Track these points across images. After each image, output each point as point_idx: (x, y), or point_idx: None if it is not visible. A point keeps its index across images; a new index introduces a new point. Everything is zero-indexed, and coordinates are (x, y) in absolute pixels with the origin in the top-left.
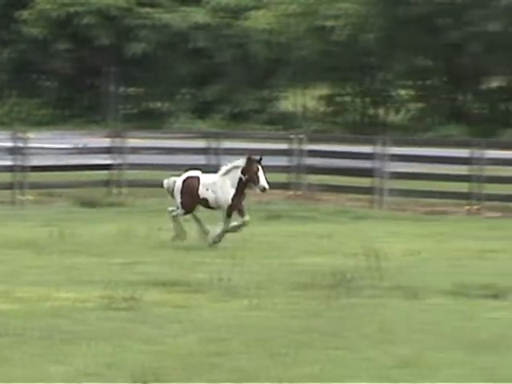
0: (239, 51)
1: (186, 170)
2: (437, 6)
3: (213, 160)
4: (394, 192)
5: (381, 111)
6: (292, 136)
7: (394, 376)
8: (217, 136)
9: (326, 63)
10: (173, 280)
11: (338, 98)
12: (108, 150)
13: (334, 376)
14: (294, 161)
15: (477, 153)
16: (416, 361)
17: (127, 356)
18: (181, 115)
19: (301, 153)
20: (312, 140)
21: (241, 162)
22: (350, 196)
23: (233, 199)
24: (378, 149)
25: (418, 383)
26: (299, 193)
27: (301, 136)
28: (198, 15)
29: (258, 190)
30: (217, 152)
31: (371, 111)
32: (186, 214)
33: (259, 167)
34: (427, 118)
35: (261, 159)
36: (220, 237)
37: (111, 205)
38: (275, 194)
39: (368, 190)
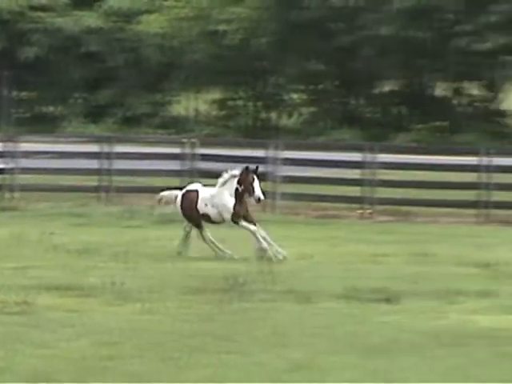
0: (132, 55)
1: (187, 184)
2: (329, 10)
3: (105, 164)
4: (286, 196)
5: (273, 115)
6: (184, 140)
7: (286, 379)
8: (109, 140)
9: (219, 67)
10: (65, 284)
11: (230, 102)
12: (0, 155)
13: (226, 380)
14: (187, 165)
15: (369, 157)
16: (308, 364)
17: (20, 360)
18: (73, 119)
19: (193, 157)
20: (204, 144)
21: (237, 171)
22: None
23: (234, 207)
24: (270, 153)
25: None
26: None
27: (193, 140)
28: (91, 19)
29: (253, 201)
30: (109, 156)
31: (264, 115)
32: (197, 226)
33: (255, 178)
34: (319, 121)
35: (257, 169)
36: (262, 250)
37: (3, 209)
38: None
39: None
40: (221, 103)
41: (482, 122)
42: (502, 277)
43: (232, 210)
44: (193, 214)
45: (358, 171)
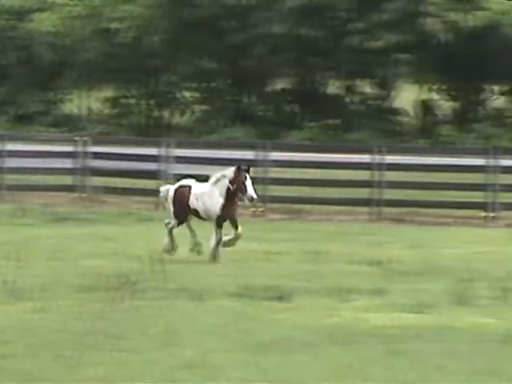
0: (24, 53)
1: (180, 179)
2: (221, 8)
3: None
4: None
5: (166, 113)
6: (77, 138)
7: (179, 377)
8: (1, 138)
9: (111, 65)
10: None
11: (123, 100)
12: None
13: (118, 378)
14: (79, 163)
15: (261, 155)
16: (201, 362)
17: None
18: None
19: (85, 155)
20: (97, 142)
21: (230, 170)
22: (136, 198)
23: (222, 209)
24: (162, 151)
25: None
26: (84, 195)
27: (85, 138)
28: None
29: (246, 201)
30: (1, 154)
31: (156, 113)
32: (179, 224)
33: (247, 177)
34: (212, 120)
35: (249, 168)
36: (215, 251)
37: None
38: (60, 196)
39: (153, 193)
40: (113, 101)
41: (374, 119)
42: (393, 275)
43: (219, 212)
44: (183, 210)
45: (256, 169)
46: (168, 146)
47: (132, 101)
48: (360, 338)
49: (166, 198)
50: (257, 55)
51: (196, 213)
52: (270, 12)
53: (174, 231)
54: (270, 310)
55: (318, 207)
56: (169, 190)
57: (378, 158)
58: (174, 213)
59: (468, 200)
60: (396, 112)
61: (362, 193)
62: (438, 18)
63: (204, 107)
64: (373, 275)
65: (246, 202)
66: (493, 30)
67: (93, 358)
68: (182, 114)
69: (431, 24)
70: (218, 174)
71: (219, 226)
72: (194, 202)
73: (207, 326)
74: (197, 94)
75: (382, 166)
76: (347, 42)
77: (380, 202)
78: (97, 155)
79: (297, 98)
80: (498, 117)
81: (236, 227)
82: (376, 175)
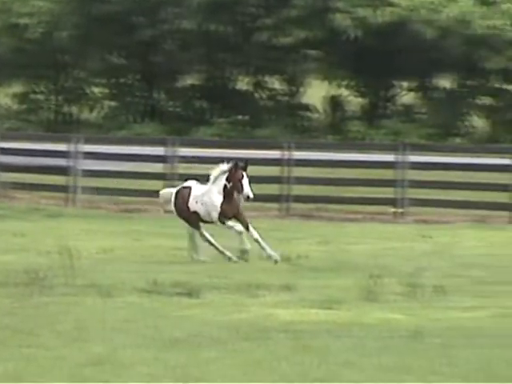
0: None
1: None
2: (131, 3)
3: None
4: (87, 190)
5: (75, 109)
6: None
7: (87, 374)
8: None
9: (20, 61)
10: None
11: (31, 96)
12: None
13: (27, 374)
14: None
15: (171, 151)
16: (109, 359)
17: None
18: None
19: None
20: (5, 138)
21: (226, 167)
22: (44, 194)
23: (221, 206)
24: (71, 147)
25: (111, 382)
26: None
27: None
28: None
29: (242, 199)
30: None
31: (65, 109)
32: (194, 227)
33: (244, 174)
34: (121, 115)
35: (246, 166)
36: (245, 252)
37: None
38: None
39: (62, 188)
40: (22, 97)
41: (283, 116)
42: (302, 270)
43: (219, 209)
44: (183, 212)
45: (160, 165)
46: (77, 141)
47: (41, 96)
48: (269, 334)
49: (168, 202)
50: (166, 51)
51: (197, 215)
52: (179, 8)
53: (197, 235)
54: (178, 306)
55: None
56: (171, 193)
57: (287, 154)
58: (178, 215)
59: (377, 196)
60: (305, 108)
61: (271, 189)
62: (347, 13)
63: (113, 103)
64: (282, 271)
65: (242, 201)
66: (402, 27)
67: (1, 354)
68: (91, 109)
69: (340, 20)
70: (217, 172)
71: (223, 222)
72: (193, 204)
73: (116, 322)
74: (106, 90)
75: (291, 162)
76: (256, 37)
77: (289, 198)
78: (5, 151)
79: (206, 94)
80: (406, 113)
81: (247, 228)
82: (285, 171)
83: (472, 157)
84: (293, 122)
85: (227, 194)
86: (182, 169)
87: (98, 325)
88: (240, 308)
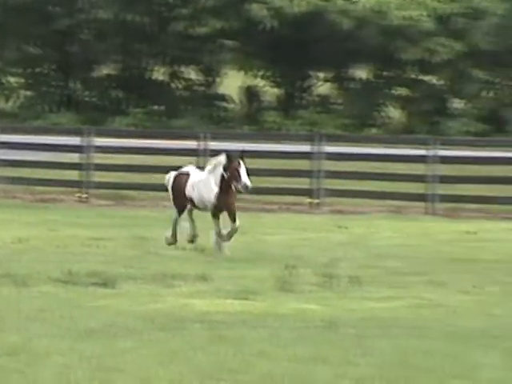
0: None
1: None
2: None
3: None
4: (2, 179)
5: None
6: None
7: (2, 363)
8: None
9: None
10: None
11: None
12: None
13: None
14: None
15: (87, 140)
16: (24, 348)
17: None
18: None
19: None
20: None
21: (224, 157)
22: None
23: (216, 198)
24: None
25: (26, 371)
26: None
27: None
28: None
29: (240, 188)
30: None
31: None
32: (179, 213)
33: (241, 163)
34: (37, 105)
35: (243, 156)
36: (217, 244)
37: None
38: None
39: None
40: None
41: (199, 106)
42: (218, 261)
43: (213, 201)
44: (179, 197)
45: (76, 155)
46: None
47: None
48: (184, 324)
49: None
50: (83, 41)
51: (192, 202)
52: None
53: (179, 221)
54: (94, 296)
55: (143, 193)
56: (170, 176)
57: (203, 145)
58: (173, 200)
59: (293, 186)
60: (221, 98)
61: None
62: (263, 4)
63: (29, 93)
64: (198, 261)
65: (241, 190)
66: (318, 17)
67: None
68: (7, 99)
69: (257, 10)
70: (215, 160)
71: (215, 216)
72: (190, 191)
73: (31, 312)
74: (22, 80)
75: (207, 153)
76: (173, 27)
77: None
78: None
79: (122, 84)
80: (322, 103)
81: (234, 220)
82: (202, 161)
83: (388, 147)
84: (209, 112)
85: (224, 184)
86: (98, 159)
87: (13, 314)
88: (156, 298)
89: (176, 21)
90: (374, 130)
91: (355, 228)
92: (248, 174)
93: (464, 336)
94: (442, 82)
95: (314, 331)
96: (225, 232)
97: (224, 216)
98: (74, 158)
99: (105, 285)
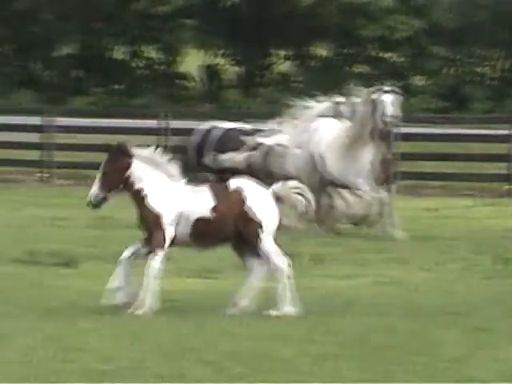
0: None
1: None
2: None
3: None
4: None
5: None
6: None
7: None
8: None
9: None
10: None
11: None
12: None
13: None
14: None
15: (47, 120)
16: None
17: None
18: None
19: None
20: None
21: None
22: None
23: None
24: None
25: None
26: None
27: None
28: None
29: None
30: None
31: None
32: None
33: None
34: None
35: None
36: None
37: None
38: None
39: None
40: None
41: (160, 85)
42: None
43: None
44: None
45: (36, 135)
46: None
47: None
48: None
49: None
50: (43, 20)
51: None
52: None
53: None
54: (55, 275)
55: None
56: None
57: (164, 123)
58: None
59: None
60: (182, 77)
61: None
62: None
63: None
64: None
65: None
66: None
67: None
68: None
69: None
70: None
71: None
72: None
73: None
74: None
75: (167, 132)
76: (133, 6)
77: None
78: None
79: (82, 64)
80: (283, 81)
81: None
82: (162, 140)
83: None
84: (170, 91)
85: None
86: (59, 138)
87: None
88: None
89: (137, 0)
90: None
91: None
92: None
93: (425, 313)
94: (402, 59)
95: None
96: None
97: None
98: (34, 137)
99: (66, 265)
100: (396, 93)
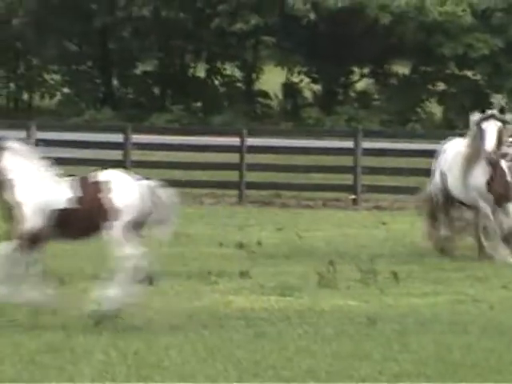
0: None
1: None
2: None
3: None
4: None
5: (30, 96)
6: None
7: (42, 361)
8: None
9: None
10: None
11: None
12: None
13: None
14: None
15: (127, 137)
16: (64, 346)
17: None
18: None
19: None
20: None
21: None
22: None
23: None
24: (23, 134)
25: (66, 367)
26: None
27: None
28: None
29: None
30: None
31: (21, 96)
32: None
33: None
34: (77, 102)
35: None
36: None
37: None
38: None
39: None
40: None
41: (238, 102)
42: (258, 257)
43: None
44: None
45: (119, 152)
46: (29, 128)
47: None
48: (225, 321)
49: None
50: (122, 38)
51: None
52: None
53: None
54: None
55: (187, 190)
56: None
57: (244, 141)
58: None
59: (334, 183)
60: (260, 94)
61: (228, 175)
62: None
63: (69, 90)
64: (238, 258)
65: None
66: (358, 12)
67: None
68: (50, 97)
69: (296, 5)
70: None
71: None
72: None
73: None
74: (62, 77)
75: (246, 149)
76: (212, 24)
77: (244, 185)
78: None
79: (161, 81)
80: (362, 99)
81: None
82: (241, 158)
83: (428, 143)
84: (248, 108)
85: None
86: (136, 155)
87: None
88: (197, 295)
89: (215, 17)
90: (413, 126)
91: (395, 224)
92: None
93: (504, 332)
94: (479, 77)
95: (354, 327)
96: None
97: None
98: (114, 155)
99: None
100: (498, 120)
